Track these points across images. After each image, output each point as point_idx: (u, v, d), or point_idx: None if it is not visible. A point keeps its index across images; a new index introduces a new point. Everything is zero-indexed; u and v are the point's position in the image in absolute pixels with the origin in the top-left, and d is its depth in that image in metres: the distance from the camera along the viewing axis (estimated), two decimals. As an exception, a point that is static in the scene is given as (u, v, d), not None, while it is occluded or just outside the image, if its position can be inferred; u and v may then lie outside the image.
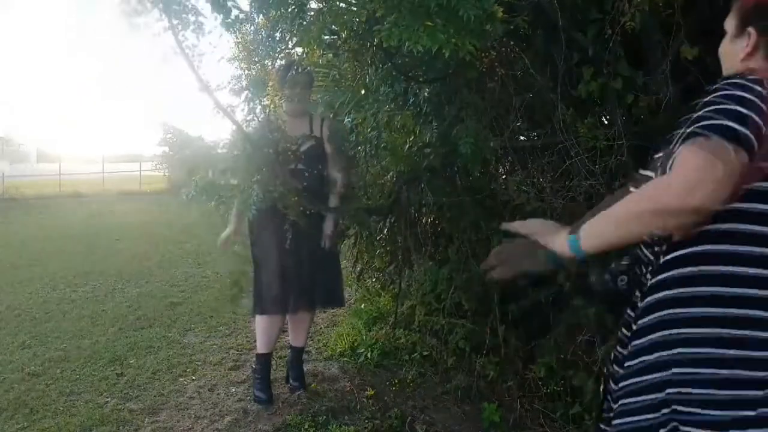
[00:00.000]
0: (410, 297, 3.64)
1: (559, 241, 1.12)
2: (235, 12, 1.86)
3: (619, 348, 1.18)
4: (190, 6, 1.72)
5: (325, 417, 2.59)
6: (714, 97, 0.97)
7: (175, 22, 1.66)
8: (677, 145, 0.97)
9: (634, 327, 1.09)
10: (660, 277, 1.06)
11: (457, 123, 2.57)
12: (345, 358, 3.32)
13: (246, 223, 2.75)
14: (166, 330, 3.98)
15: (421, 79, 2.73)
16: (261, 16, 2.36)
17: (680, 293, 1.02)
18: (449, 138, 2.60)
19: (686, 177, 0.90)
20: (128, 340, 3.75)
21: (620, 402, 1.11)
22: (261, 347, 2.84)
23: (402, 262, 3.53)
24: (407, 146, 2.99)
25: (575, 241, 1.08)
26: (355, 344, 3.44)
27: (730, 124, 0.91)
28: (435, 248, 3.46)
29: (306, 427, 2.52)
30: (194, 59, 1.83)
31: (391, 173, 3.15)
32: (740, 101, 0.94)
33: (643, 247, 1.14)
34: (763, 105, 0.94)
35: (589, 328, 2.41)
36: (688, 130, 0.94)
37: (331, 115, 3.20)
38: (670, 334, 1.01)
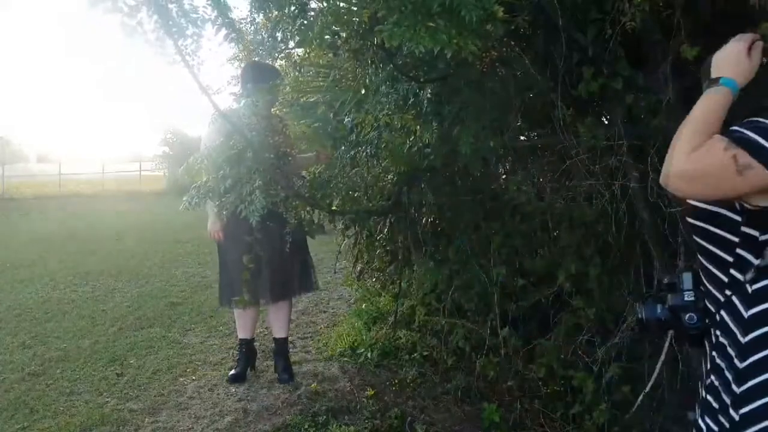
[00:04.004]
0: (410, 297, 3.65)
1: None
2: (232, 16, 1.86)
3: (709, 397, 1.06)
4: (187, 10, 1.72)
5: (325, 417, 2.60)
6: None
7: (173, 30, 1.66)
8: None
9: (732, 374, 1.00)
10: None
11: (457, 123, 2.57)
12: (345, 358, 3.32)
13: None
14: (166, 330, 3.98)
15: (422, 80, 2.73)
16: (261, 16, 2.36)
17: None
18: (449, 138, 2.60)
19: (692, 154, 0.97)
20: (128, 340, 3.75)
21: None
22: (239, 332, 3.13)
23: (402, 262, 3.53)
24: (407, 146, 2.98)
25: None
26: (355, 344, 3.44)
27: (746, 132, 0.94)
28: (435, 248, 3.46)
29: (306, 427, 2.53)
30: (194, 66, 1.83)
31: (391, 174, 3.15)
32: None
33: (708, 283, 1.07)
34: None
35: (589, 328, 2.41)
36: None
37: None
38: None
